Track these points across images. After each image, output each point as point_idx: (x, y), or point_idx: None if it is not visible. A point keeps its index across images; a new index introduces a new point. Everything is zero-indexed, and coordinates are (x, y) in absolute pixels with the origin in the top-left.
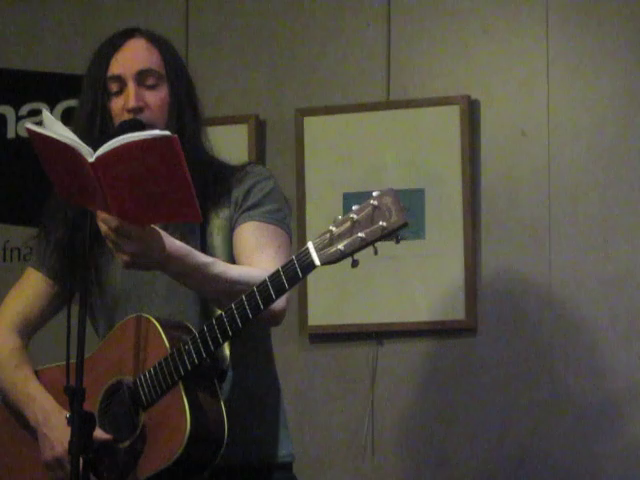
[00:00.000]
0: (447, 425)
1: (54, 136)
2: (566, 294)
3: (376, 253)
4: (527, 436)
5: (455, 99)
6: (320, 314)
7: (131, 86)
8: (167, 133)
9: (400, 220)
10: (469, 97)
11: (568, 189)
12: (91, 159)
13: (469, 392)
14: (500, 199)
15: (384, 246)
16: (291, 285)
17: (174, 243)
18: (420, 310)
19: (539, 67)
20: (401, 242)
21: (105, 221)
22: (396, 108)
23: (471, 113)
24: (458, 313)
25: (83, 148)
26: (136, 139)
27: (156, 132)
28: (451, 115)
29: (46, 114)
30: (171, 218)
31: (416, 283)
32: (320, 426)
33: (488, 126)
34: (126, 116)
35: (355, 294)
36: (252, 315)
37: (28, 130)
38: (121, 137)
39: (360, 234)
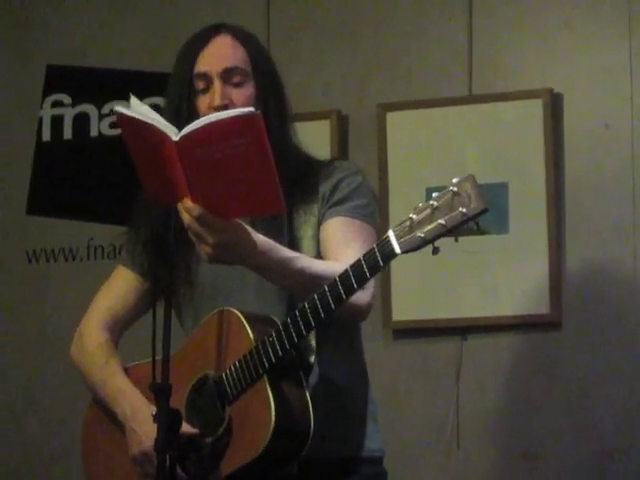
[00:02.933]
0: (533, 419)
1: (140, 117)
2: None
3: (457, 240)
4: (615, 430)
5: (538, 92)
6: (404, 309)
7: (217, 84)
8: (251, 109)
9: (480, 205)
10: (552, 90)
11: None
12: (176, 138)
13: (554, 386)
14: (584, 192)
15: (468, 241)
16: (372, 274)
17: (258, 237)
18: (504, 305)
19: (622, 59)
20: (485, 236)
21: (188, 210)
22: (478, 102)
23: (554, 106)
24: (543, 307)
25: (168, 128)
26: (220, 117)
27: (239, 110)
28: (534, 109)
29: (134, 99)
30: (255, 210)
31: (500, 278)
32: (405, 422)
33: (571, 119)
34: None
35: (439, 289)
36: (334, 306)
37: (117, 113)
38: (205, 117)
39: (440, 220)
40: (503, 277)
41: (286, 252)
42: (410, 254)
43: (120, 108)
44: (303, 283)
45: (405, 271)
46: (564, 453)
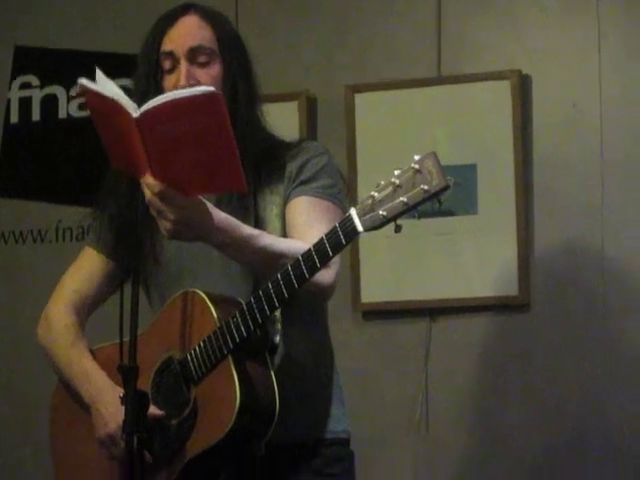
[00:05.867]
0: (502, 401)
1: (102, 92)
2: (619, 268)
3: (418, 218)
4: (583, 410)
5: (506, 74)
6: (373, 291)
7: (183, 64)
8: (211, 89)
9: (442, 183)
10: (520, 72)
11: (620, 162)
12: (135, 114)
13: (523, 367)
14: (552, 174)
15: (437, 222)
16: (335, 252)
17: (219, 214)
18: (473, 286)
19: (590, 41)
20: (454, 218)
21: (149, 185)
22: (447, 83)
23: (522, 88)
24: (511, 288)
25: (129, 104)
26: (180, 95)
27: (200, 88)
28: (502, 90)
29: (99, 73)
30: (216, 187)
31: (469, 259)
32: (374, 403)
33: (540, 101)
34: None
35: (408, 271)
36: (297, 284)
37: (81, 86)
38: (165, 95)
39: (402, 198)
40: (472, 259)
41: (248, 230)
42: (379, 236)
43: (84, 80)
44: (266, 261)
45: (374, 253)
46: (533, 435)
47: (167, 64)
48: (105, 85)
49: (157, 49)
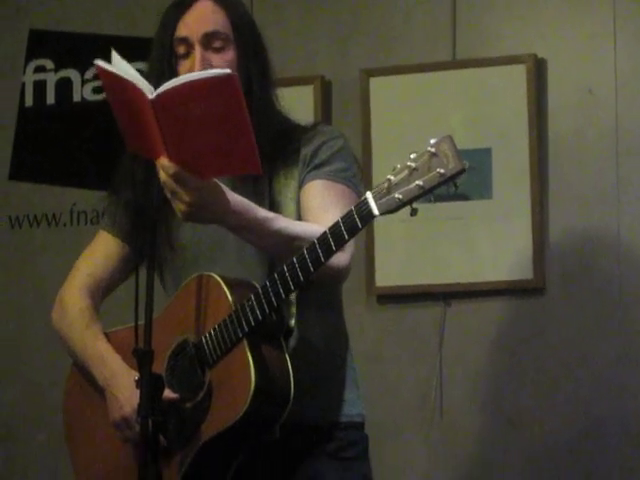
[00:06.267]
0: (516, 385)
1: (118, 72)
2: (634, 252)
3: (434, 202)
4: (598, 395)
5: (522, 58)
6: (388, 275)
7: (197, 49)
8: (227, 71)
9: (458, 166)
10: (536, 56)
11: (636, 147)
12: (151, 96)
13: (538, 352)
14: (567, 158)
15: (451, 206)
16: (351, 235)
17: (234, 197)
18: (488, 270)
19: (606, 25)
20: (468, 202)
21: (164, 167)
22: (462, 68)
23: (538, 72)
24: (526, 273)
25: (144, 85)
26: (196, 77)
27: (216, 70)
28: (518, 74)
29: (115, 54)
30: (231, 169)
31: (484, 243)
32: (388, 387)
33: (555, 85)
34: None
35: (423, 255)
36: (313, 268)
37: (97, 67)
38: (181, 77)
39: (418, 182)
40: (486, 243)
41: (263, 212)
42: (394, 220)
43: (100, 62)
44: (281, 244)
45: (389, 237)
46: (549, 419)
47: (181, 49)
48: (121, 67)
49: (171, 34)
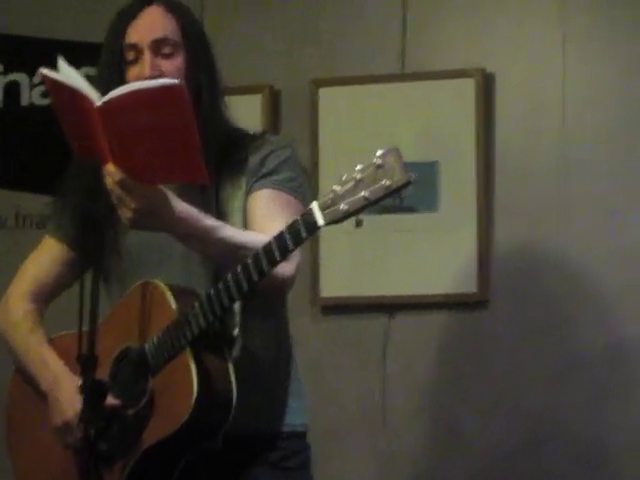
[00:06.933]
0: (459, 398)
1: (65, 81)
2: (578, 267)
3: (380, 213)
4: (540, 408)
5: (470, 72)
6: (332, 286)
7: (147, 55)
8: (175, 81)
9: (404, 178)
10: (484, 70)
11: (581, 162)
12: (98, 103)
13: (481, 365)
14: (514, 172)
15: (397, 218)
16: (295, 245)
17: (180, 204)
18: (433, 283)
19: (554, 40)
20: (414, 214)
21: (110, 174)
22: (411, 80)
23: (486, 86)
24: (471, 286)
25: (92, 93)
26: (144, 86)
27: (164, 80)
28: (466, 88)
29: (61, 61)
30: (177, 177)
31: (429, 256)
32: (332, 398)
33: (503, 99)
34: None
35: (368, 266)
36: (257, 277)
37: (42, 75)
38: (129, 85)
39: (364, 193)
40: (432, 255)
41: (209, 221)
42: (339, 231)
43: (46, 70)
44: (227, 253)
45: (334, 248)
46: (491, 432)
47: (131, 55)
48: (68, 74)
49: (121, 40)
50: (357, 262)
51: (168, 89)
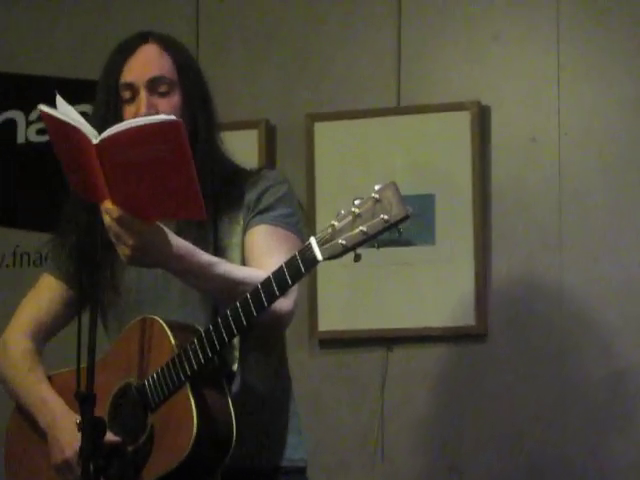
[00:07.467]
0: (458, 431)
1: (62, 117)
2: (577, 299)
3: (378, 248)
4: (540, 440)
5: (465, 105)
6: (330, 319)
7: (143, 94)
8: (172, 117)
9: (402, 212)
10: (479, 103)
11: (578, 195)
12: (95, 141)
13: (480, 398)
14: (510, 205)
15: (394, 252)
16: (294, 281)
17: (178, 241)
18: (430, 316)
19: (550, 73)
20: (411, 248)
21: (108, 211)
22: (406, 114)
23: (481, 119)
24: (468, 319)
25: (89, 130)
26: (140, 123)
27: (160, 116)
28: (461, 121)
29: (59, 98)
30: (175, 214)
31: (426, 289)
32: (331, 431)
33: (498, 132)
34: None
35: (365, 300)
36: (256, 312)
37: (41, 111)
38: (126, 122)
39: (362, 227)
40: (429, 288)
41: (207, 257)
42: (337, 265)
43: (44, 107)
44: (225, 289)
45: (331, 282)
46: (490, 466)
47: (127, 94)
48: (65, 111)
49: (116, 79)
50: (355, 295)
51: (165, 125)
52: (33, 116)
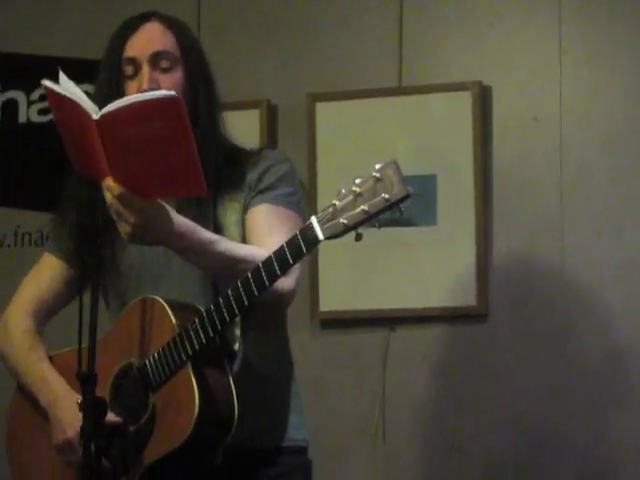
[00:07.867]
0: (459, 411)
1: (64, 93)
2: (578, 279)
3: (379, 227)
4: (541, 420)
5: (467, 85)
6: (331, 300)
7: (145, 68)
8: (172, 93)
9: (402, 191)
10: (481, 83)
11: (580, 175)
12: (96, 116)
13: (481, 378)
14: (512, 185)
15: (396, 232)
16: (295, 260)
17: (179, 218)
18: (432, 296)
19: (551, 53)
20: (413, 228)
21: (109, 188)
22: (408, 94)
23: (483, 99)
24: (470, 299)
25: (90, 106)
26: (141, 99)
27: (161, 92)
28: (463, 101)
29: (62, 75)
30: (176, 191)
31: (428, 269)
32: (331, 412)
33: (500, 112)
34: None
35: (367, 280)
36: (257, 292)
37: (45, 87)
38: (126, 97)
39: (363, 207)
40: (431, 269)
41: (208, 234)
42: (338, 245)
43: (48, 82)
44: (225, 267)
45: (333, 262)
46: (491, 446)
47: (129, 70)
48: (68, 87)
49: (119, 55)
50: (356, 276)
51: (165, 101)
52: (34, 96)
